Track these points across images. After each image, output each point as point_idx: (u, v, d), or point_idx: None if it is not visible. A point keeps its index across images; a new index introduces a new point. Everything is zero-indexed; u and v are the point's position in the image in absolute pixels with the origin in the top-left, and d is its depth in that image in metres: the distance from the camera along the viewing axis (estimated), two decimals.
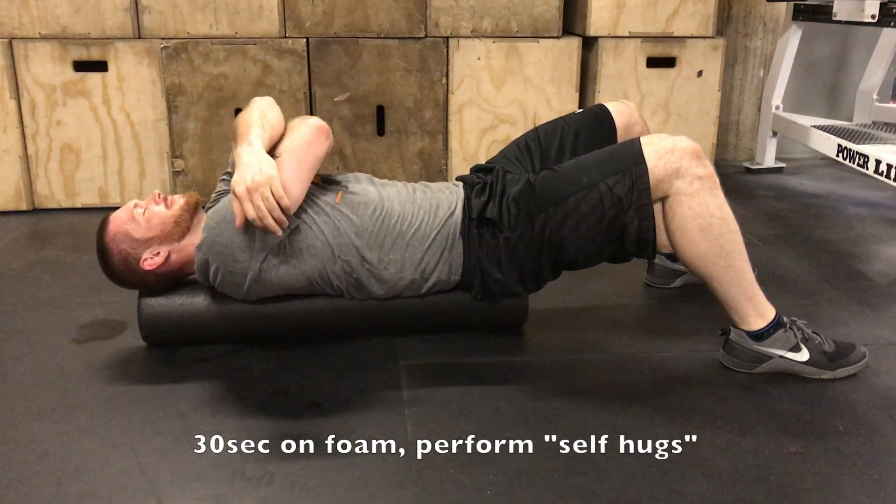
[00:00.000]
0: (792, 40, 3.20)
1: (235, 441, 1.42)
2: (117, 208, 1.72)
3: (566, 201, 1.60)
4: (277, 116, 1.66)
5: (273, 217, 1.51)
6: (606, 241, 1.62)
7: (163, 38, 2.71)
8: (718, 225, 1.57)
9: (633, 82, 2.98)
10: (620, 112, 1.92)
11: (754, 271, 1.64)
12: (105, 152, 2.78)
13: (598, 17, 2.90)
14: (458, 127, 2.91)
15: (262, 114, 1.63)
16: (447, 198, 1.73)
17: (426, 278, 1.70)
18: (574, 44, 2.90)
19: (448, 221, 1.69)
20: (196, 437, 1.43)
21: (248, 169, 1.51)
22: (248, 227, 1.56)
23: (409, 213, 1.69)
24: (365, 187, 1.73)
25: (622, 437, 1.43)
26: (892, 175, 2.55)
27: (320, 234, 1.63)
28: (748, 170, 3.41)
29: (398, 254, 1.67)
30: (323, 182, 1.73)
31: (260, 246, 1.58)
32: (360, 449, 1.40)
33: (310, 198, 1.65)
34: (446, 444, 1.41)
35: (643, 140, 1.62)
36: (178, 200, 1.70)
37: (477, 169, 1.86)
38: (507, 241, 1.65)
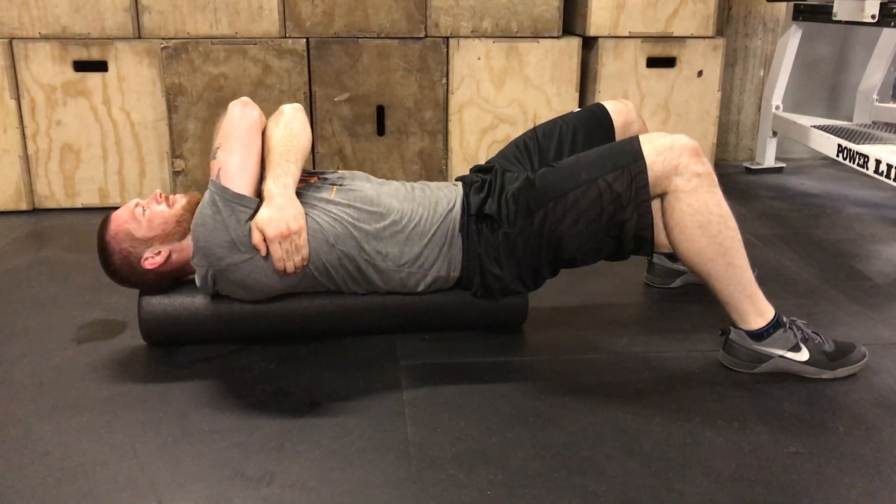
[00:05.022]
0: (792, 40, 3.20)
1: (235, 441, 1.42)
2: (117, 208, 1.72)
3: (565, 197, 1.60)
4: (307, 138, 1.68)
5: (292, 262, 1.61)
6: (605, 238, 1.62)
7: (163, 38, 2.71)
8: (717, 222, 1.57)
9: (633, 82, 2.98)
10: (618, 111, 1.93)
11: (754, 271, 1.65)
12: (105, 152, 2.78)
13: (598, 17, 2.90)
14: (458, 127, 2.91)
15: (296, 140, 1.65)
16: (446, 195, 1.73)
17: (425, 274, 1.71)
18: (574, 44, 2.90)
19: (447, 217, 1.69)
20: (196, 437, 1.43)
21: (282, 213, 1.57)
22: (224, 228, 1.58)
23: (408, 209, 1.69)
24: (361, 184, 1.73)
25: (622, 437, 1.43)
26: (892, 175, 2.55)
27: (313, 224, 1.64)
28: (748, 170, 3.41)
29: (396, 248, 1.68)
30: (319, 181, 1.74)
31: (238, 240, 1.59)
32: (360, 449, 1.40)
33: (302, 196, 1.66)
34: (446, 444, 1.41)
35: (642, 138, 1.62)
36: (180, 200, 1.70)
37: (476, 169, 1.86)
38: (507, 236, 1.65)
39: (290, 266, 1.61)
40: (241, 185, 1.59)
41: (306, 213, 1.64)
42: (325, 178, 1.75)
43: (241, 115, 1.64)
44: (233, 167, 1.59)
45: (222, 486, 1.30)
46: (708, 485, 1.31)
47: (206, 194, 1.62)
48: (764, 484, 1.31)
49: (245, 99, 1.67)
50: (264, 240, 1.58)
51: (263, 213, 1.57)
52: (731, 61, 3.52)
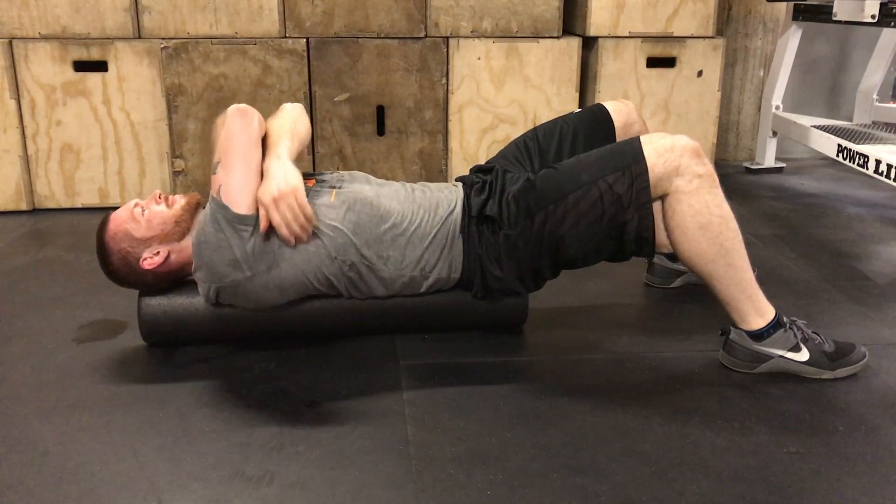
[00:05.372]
0: (792, 40, 3.20)
1: (235, 441, 1.42)
2: (117, 208, 1.72)
3: (566, 198, 1.60)
4: (306, 128, 1.70)
5: (297, 225, 1.58)
6: (606, 239, 1.62)
7: (163, 38, 2.71)
8: (718, 223, 1.57)
9: (633, 82, 2.98)
10: (619, 111, 1.93)
11: (754, 271, 1.65)
12: (105, 152, 2.78)
13: (598, 17, 2.90)
14: (458, 127, 2.91)
15: (293, 124, 1.66)
16: (447, 197, 1.73)
17: (426, 276, 1.70)
18: (574, 44, 2.90)
19: (448, 219, 1.69)
20: (196, 437, 1.43)
21: (274, 181, 1.56)
22: (228, 246, 1.57)
23: (409, 211, 1.69)
24: (361, 186, 1.72)
25: (622, 437, 1.43)
26: (892, 175, 2.55)
27: (313, 237, 1.63)
28: (748, 170, 3.41)
29: (398, 251, 1.67)
30: (318, 183, 1.74)
31: (242, 259, 1.58)
32: (360, 449, 1.40)
33: None
34: (446, 444, 1.41)
35: (643, 138, 1.62)
36: (179, 200, 1.70)
37: (476, 170, 1.86)
38: (507, 238, 1.65)
39: (295, 230, 1.57)
40: (244, 203, 1.57)
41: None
42: (324, 181, 1.74)
43: (240, 127, 1.59)
44: (234, 185, 1.57)
45: (222, 486, 1.30)
46: (708, 485, 1.31)
47: (208, 210, 1.61)
48: (764, 484, 1.31)
49: (244, 107, 1.62)
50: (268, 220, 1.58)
51: (262, 186, 1.57)
52: (731, 61, 3.52)
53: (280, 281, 1.63)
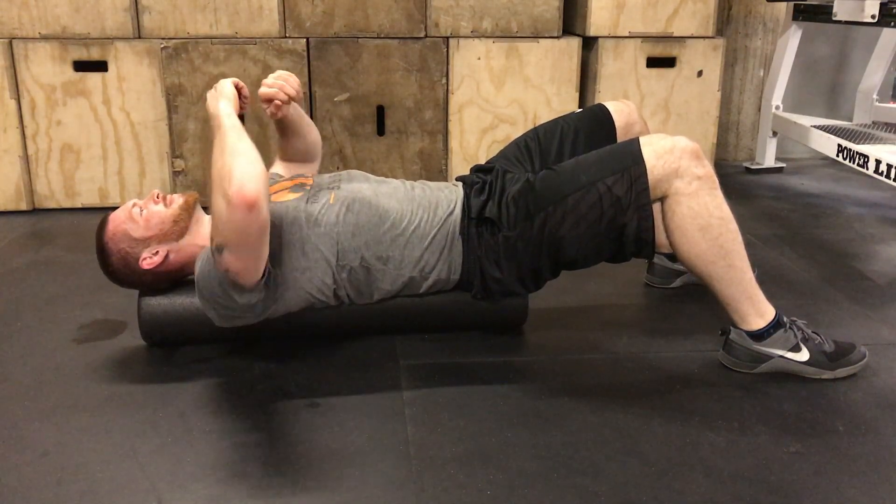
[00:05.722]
0: (792, 40, 3.20)
1: (235, 441, 1.42)
2: (117, 208, 1.72)
3: (565, 200, 1.60)
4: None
5: (289, 87, 1.71)
6: (605, 241, 1.62)
7: (163, 38, 2.71)
8: (717, 224, 1.57)
9: (633, 82, 2.98)
10: (620, 111, 1.92)
11: (754, 271, 1.65)
12: (105, 152, 2.78)
13: (598, 17, 2.90)
14: (458, 127, 2.91)
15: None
16: (446, 196, 1.73)
17: (425, 277, 1.70)
18: (574, 44, 2.90)
19: (447, 220, 1.69)
20: (196, 437, 1.43)
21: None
22: (235, 301, 1.55)
23: (408, 210, 1.69)
24: (359, 185, 1.72)
25: (622, 437, 1.43)
26: (892, 175, 2.55)
27: (315, 253, 1.63)
28: (748, 170, 3.41)
29: (397, 251, 1.67)
30: (315, 185, 1.73)
31: (249, 307, 1.57)
32: (360, 449, 1.40)
33: (300, 206, 1.65)
34: (446, 444, 1.41)
35: (642, 140, 1.62)
36: (178, 200, 1.70)
37: (476, 169, 1.86)
38: (507, 239, 1.65)
39: (290, 89, 1.69)
40: (255, 279, 1.52)
41: (308, 235, 1.62)
42: (322, 184, 1.74)
43: (247, 220, 1.40)
44: (246, 271, 1.50)
45: (222, 486, 1.30)
46: (708, 485, 1.31)
47: (214, 276, 1.54)
48: (764, 484, 1.31)
49: (252, 197, 1.37)
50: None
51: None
52: (731, 61, 3.52)
53: (287, 307, 1.64)
